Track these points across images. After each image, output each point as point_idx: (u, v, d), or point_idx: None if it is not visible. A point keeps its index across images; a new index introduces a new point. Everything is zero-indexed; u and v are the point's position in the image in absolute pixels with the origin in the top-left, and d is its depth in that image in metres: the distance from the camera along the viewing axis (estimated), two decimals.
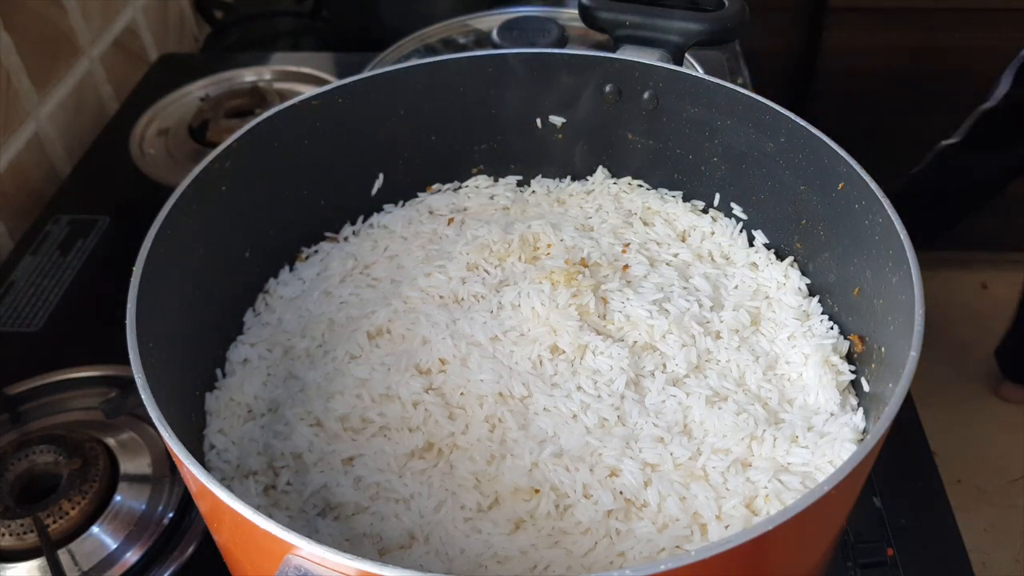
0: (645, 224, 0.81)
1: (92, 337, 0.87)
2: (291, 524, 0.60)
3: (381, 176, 0.83)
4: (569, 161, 0.85)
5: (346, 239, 0.82)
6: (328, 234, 0.82)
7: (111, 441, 0.77)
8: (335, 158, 0.78)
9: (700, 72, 0.93)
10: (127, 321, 0.56)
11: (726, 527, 0.58)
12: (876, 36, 1.67)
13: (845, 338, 0.70)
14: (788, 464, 0.62)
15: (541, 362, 0.68)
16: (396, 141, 0.82)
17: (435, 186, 0.85)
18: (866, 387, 0.66)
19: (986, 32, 1.61)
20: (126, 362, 0.54)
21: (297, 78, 1.30)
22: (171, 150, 1.17)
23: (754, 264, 0.77)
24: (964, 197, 1.69)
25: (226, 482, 0.63)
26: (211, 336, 0.72)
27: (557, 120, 0.83)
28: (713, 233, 0.80)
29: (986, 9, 1.59)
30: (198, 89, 1.27)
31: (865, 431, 0.64)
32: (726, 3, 0.80)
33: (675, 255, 0.77)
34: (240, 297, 0.76)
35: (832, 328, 0.71)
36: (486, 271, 0.75)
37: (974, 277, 2.06)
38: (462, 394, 0.66)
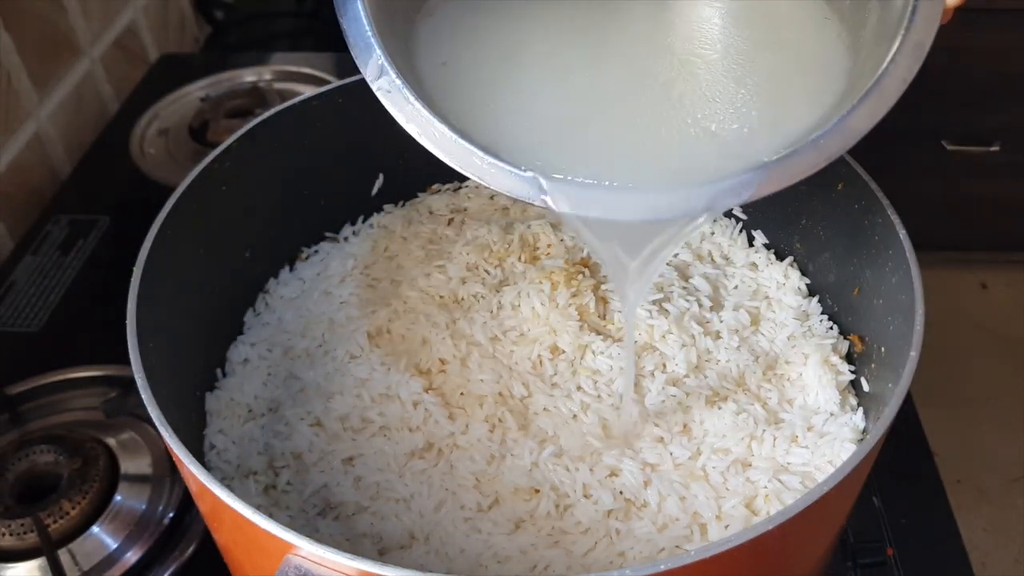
0: None
1: (92, 337, 0.87)
2: (291, 524, 0.60)
3: (381, 176, 0.83)
4: None
5: (346, 239, 0.82)
6: (328, 234, 0.82)
7: (111, 441, 0.77)
8: (335, 158, 0.78)
9: None
10: (127, 321, 0.56)
11: (726, 527, 0.59)
12: None
13: (845, 338, 0.70)
14: (788, 464, 0.62)
15: (541, 362, 0.68)
16: (396, 141, 0.81)
17: (435, 186, 0.85)
18: (866, 387, 0.66)
19: (987, 33, 1.61)
20: (126, 362, 0.54)
21: (297, 78, 1.29)
22: (171, 150, 1.17)
23: (754, 264, 0.77)
24: None
25: (226, 482, 0.63)
26: (211, 336, 0.72)
27: None
28: (713, 233, 0.80)
29: (986, 9, 1.58)
30: (198, 89, 1.27)
31: (865, 431, 0.64)
32: None
33: (675, 255, 0.77)
34: (240, 297, 0.76)
35: (832, 328, 0.71)
36: (486, 271, 0.75)
37: (974, 277, 2.05)
38: (462, 394, 0.66)
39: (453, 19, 0.58)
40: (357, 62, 0.49)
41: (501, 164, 0.48)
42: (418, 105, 0.48)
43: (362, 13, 0.50)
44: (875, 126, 0.46)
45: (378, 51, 0.49)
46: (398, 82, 0.49)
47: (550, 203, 0.47)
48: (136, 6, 1.31)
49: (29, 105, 1.07)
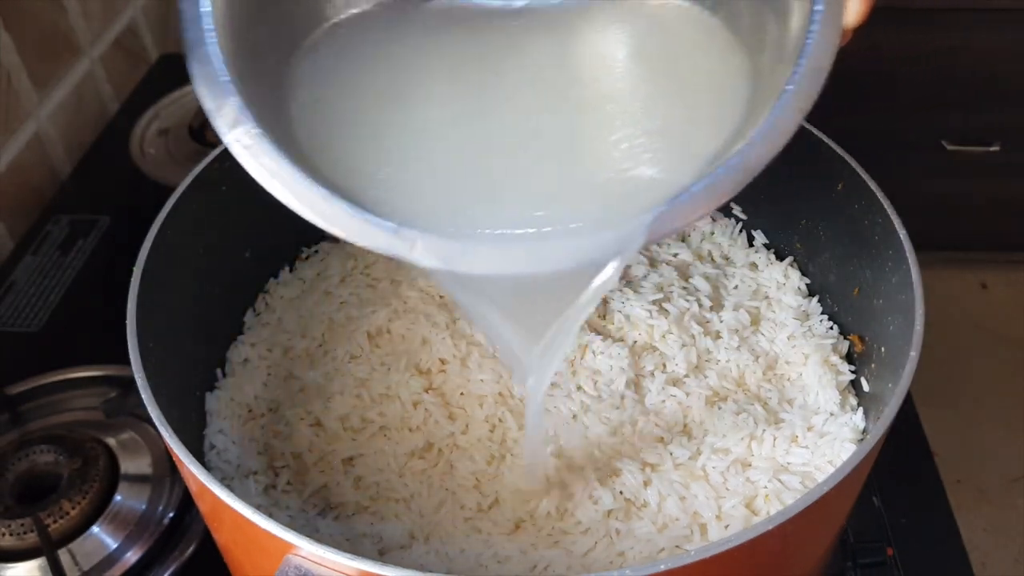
0: None
1: (92, 337, 0.87)
2: (291, 524, 0.60)
3: None
4: None
5: None
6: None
7: (111, 441, 0.77)
8: None
9: None
10: (127, 321, 0.56)
11: (726, 527, 0.59)
12: (876, 35, 1.67)
13: (845, 338, 0.70)
14: (788, 464, 0.62)
15: None
16: None
17: None
18: (866, 387, 0.66)
19: (986, 33, 1.61)
20: (126, 362, 0.54)
21: None
22: (171, 150, 1.17)
23: (754, 264, 0.77)
24: None
25: (226, 482, 0.63)
26: (211, 336, 0.72)
27: None
28: (712, 233, 0.80)
29: (987, 9, 1.58)
30: None
31: (865, 431, 0.64)
32: None
33: (675, 255, 0.77)
34: (240, 297, 0.76)
35: (832, 328, 0.71)
36: None
37: (974, 277, 2.05)
38: (462, 394, 0.66)
39: (338, 57, 0.52)
40: (205, 108, 0.43)
41: (361, 216, 0.42)
42: (277, 156, 0.42)
43: (214, 55, 0.44)
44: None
45: (235, 97, 0.43)
46: (255, 131, 0.42)
47: (417, 259, 0.42)
48: (136, 6, 1.31)
49: (29, 105, 1.07)
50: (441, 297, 0.74)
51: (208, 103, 0.43)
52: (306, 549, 0.45)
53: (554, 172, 0.48)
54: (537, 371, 0.53)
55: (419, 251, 0.42)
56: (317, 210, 0.42)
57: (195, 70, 0.44)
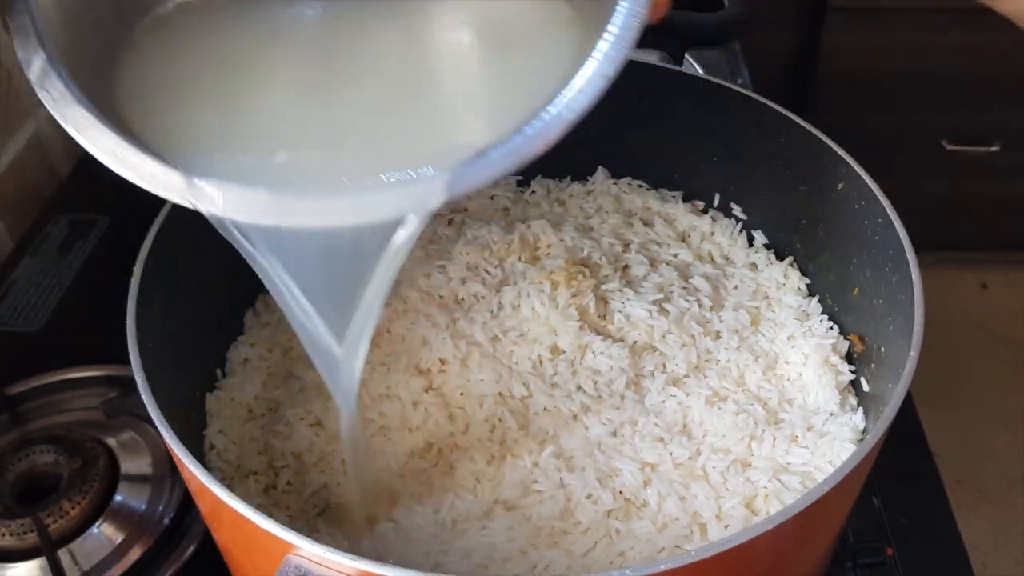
0: (645, 224, 0.81)
1: (92, 337, 0.87)
2: (291, 524, 0.60)
3: None
4: (569, 161, 0.85)
5: None
6: None
7: (111, 441, 0.77)
8: None
9: (700, 72, 0.93)
10: (127, 321, 0.56)
11: (726, 527, 0.59)
12: (876, 36, 1.67)
13: (845, 338, 0.70)
14: (788, 464, 0.62)
15: (541, 362, 0.68)
16: None
17: None
18: (866, 387, 0.66)
19: (986, 32, 1.61)
20: (126, 362, 0.54)
21: None
22: None
23: (754, 264, 0.77)
24: None
25: (226, 482, 0.63)
26: (211, 336, 0.72)
27: None
28: (713, 233, 0.80)
29: (989, 9, 1.58)
30: None
31: (865, 431, 0.64)
32: (726, 4, 0.80)
33: (675, 255, 0.77)
34: (240, 297, 0.76)
35: (832, 328, 0.71)
36: (486, 271, 0.75)
37: (974, 277, 2.05)
38: (462, 394, 0.66)
39: (181, 28, 0.54)
40: (19, 59, 0.46)
41: (156, 162, 0.45)
42: (79, 106, 0.45)
43: (30, 11, 0.46)
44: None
45: (42, 51, 0.46)
46: (60, 84, 0.46)
47: (215, 208, 0.43)
48: None
49: (29, 105, 1.07)
50: (441, 297, 0.74)
51: (20, 54, 0.46)
52: (306, 549, 0.45)
53: (375, 134, 0.49)
54: (346, 357, 0.52)
55: (216, 199, 0.43)
56: (114, 155, 0.45)
57: (11, 23, 0.46)
